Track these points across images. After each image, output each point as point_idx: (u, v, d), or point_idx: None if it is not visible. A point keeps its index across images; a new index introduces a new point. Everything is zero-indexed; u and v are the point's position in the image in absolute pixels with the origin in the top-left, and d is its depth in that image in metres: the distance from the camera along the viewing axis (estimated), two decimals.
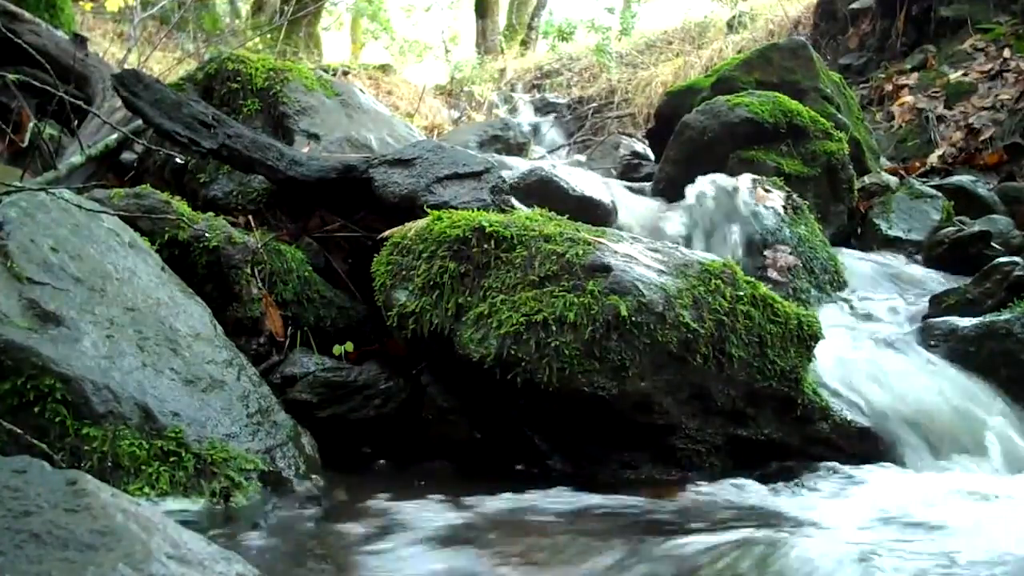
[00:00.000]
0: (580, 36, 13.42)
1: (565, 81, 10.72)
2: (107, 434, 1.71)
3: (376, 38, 18.85)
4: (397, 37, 18.67)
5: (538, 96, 10.27)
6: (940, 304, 2.84)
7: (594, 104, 9.20)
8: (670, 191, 3.80)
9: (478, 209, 2.42)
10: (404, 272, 2.24)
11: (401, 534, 1.64)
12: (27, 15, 4.32)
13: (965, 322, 2.55)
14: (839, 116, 4.31)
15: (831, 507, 1.85)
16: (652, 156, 5.32)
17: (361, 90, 3.83)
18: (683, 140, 3.89)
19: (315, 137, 3.16)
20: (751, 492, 1.97)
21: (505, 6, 16.14)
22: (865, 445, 2.20)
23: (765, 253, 3.13)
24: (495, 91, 10.92)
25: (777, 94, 3.96)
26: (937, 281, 3.32)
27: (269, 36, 9.79)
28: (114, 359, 1.81)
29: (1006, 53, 5.75)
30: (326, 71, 6.11)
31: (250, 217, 2.72)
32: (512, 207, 2.67)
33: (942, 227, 3.74)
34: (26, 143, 3.60)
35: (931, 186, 4.11)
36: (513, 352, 2.00)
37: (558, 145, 7.62)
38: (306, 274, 2.56)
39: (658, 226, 3.42)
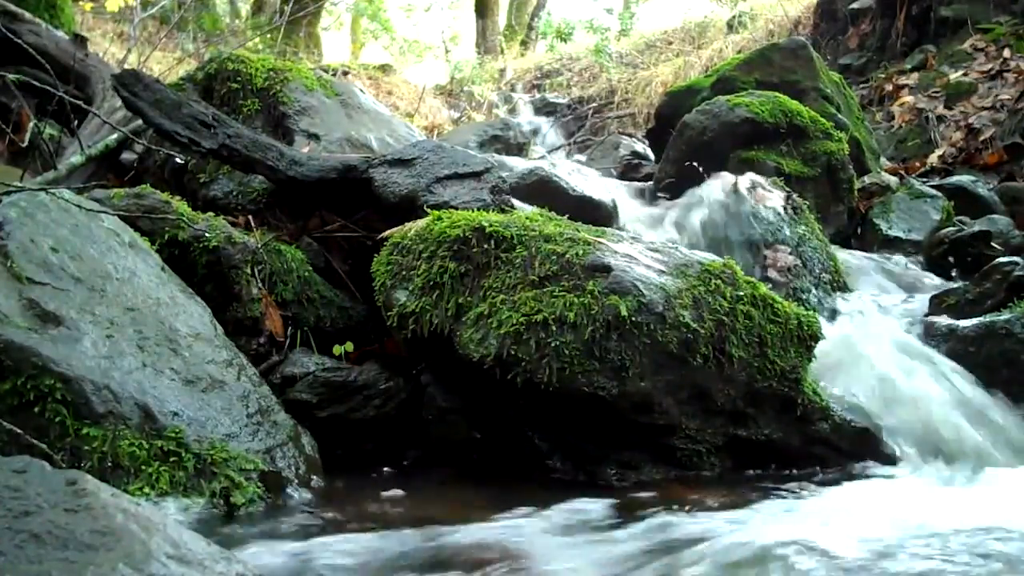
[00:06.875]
0: (579, 36, 13.41)
1: (565, 81, 10.71)
2: (107, 434, 1.71)
3: (376, 38, 18.85)
4: (397, 37, 18.66)
5: (538, 96, 10.25)
6: (940, 304, 2.84)
7: (594, 104, 9.20)
8: (670, 191, 3.80)
9: (478, 209, 2.41)
10: (404, 272, 2.24)
11: (401, 534, 1.64)
12: (27, 15, 4.32)
13: (965, 322, 2.55)
14: (839, 116, 4.31)
15: (830, 508, 1.85)
16: (652, 156, 5.31)
17: (361, 90, 3.83)
18: (683, 140, 3.89)
19: (315, 137, 3.16)
20: (751, 492, 1.97)
21: (505, 6, 16.14)
22: (865, 446, 2.20)
23: (765, 253, 3.12)
24: (495, 91, 10.92)
25: (777, 94, 3.95)
26: (937, 281, 3.32)
27: (269, 36, 9.78)
28: (114, 359, 1.81)
29: (1006, 53, 5.75)
30: (326, 71, 6.11)
31: (250, 217, 2.73)
32: (512, 207, 2.67)
33: (942, 227, 3.74)
34: (26, 143, 3.61)
35: (931, 186, 4.11)
36: (513, 352, 1.99)
37: (558, 145, 7.61)
38: (306, 274, 2.56)
39: (659, 225, 3.41)
